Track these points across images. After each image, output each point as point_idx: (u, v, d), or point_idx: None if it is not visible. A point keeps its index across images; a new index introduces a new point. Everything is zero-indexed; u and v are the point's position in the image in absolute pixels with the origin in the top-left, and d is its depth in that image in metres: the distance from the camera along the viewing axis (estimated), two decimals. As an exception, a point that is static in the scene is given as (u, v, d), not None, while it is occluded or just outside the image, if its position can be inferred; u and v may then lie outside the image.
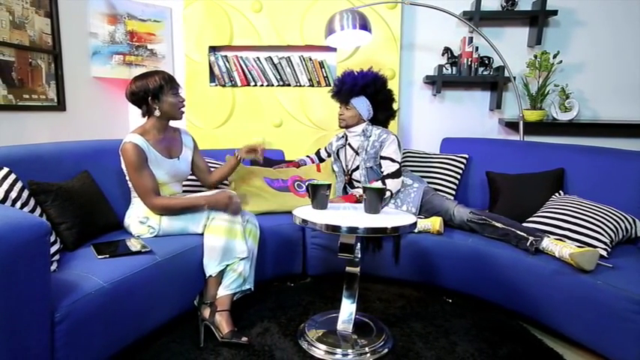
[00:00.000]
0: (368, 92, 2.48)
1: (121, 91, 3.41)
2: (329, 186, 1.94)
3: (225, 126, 3.27)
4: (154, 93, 1.99)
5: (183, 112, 2.12)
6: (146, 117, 2.08)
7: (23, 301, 1.28)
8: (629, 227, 2.04)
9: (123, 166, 2.02)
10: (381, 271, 2.42)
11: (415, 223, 1.80)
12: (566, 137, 3.15)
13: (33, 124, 2.60)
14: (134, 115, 3.49)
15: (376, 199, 1.87)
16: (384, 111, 2.55)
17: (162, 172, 2.05)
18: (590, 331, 1.75)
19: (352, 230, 1.70)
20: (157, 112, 2.03)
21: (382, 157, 2.47)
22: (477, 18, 2.96)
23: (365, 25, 2.57)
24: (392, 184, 2.42)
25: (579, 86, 3.10)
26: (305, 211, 1.90)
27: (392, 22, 3.07)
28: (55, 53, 2.75)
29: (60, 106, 2.80)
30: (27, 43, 2.55)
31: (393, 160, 2.45)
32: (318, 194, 1.93)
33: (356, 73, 2.52)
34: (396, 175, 2.43)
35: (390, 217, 1.83)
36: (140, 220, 2.01)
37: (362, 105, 2.49)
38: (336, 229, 1.71)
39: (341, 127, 2.61)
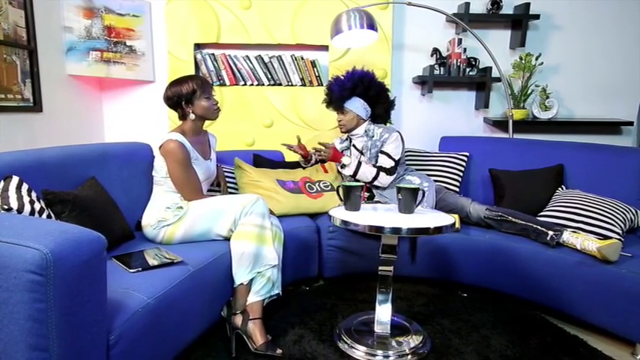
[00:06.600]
0: (358, 92, 2.49)
1: (99, 91, 3.18)
2: (362, 187, 1.92)
3: (213, 127, 3.13)
4: (187, 98, 2.07)
5: (217, 114, 2.17)
6: (182, 120, 2.15)
7: (85, 325, 1.15)
8: (632, 218, 2.19)
9: (161, 163, 2.05)
10: (396, 270, 2.42)
11: (454, 224, 1.81)
12: (547, 135, 3.35)
13: (8, 126, 2.35)
14: (109, 117, 3.26)
15: (411, 199, 1.86)
16: (380, 104, 2.55)
17: (200, 171, 2.10)
18: (617, 318, 1.86)
19: (396, 231, 1.69)
20: (192, 116, 2.10)
21: (381, 152, 2.49)
22: (466, 20, 3.05)
23: (372, 25, 2.56)
24: (383, 178, 2.45)
25: (556, 86, 3.29)
26: (340, 213, 1.86)
27: (384, 23, 3.09)
28: (31, 49, 2.50)
29: (36, 106, 2.55)
30: (1, 37, 2.29)
31: (389, 157, 2.47)
32: (352, 195, 1.89)
33: (342, 77, 2.52)
34: (389, 171, 2.46)
35: (428, 217, 1.84)
36: (167, 206, 2.00)
37: (357, 105, 2.50)
38: (379, 229, 1.69)
39: (343, 133, 2.61)
